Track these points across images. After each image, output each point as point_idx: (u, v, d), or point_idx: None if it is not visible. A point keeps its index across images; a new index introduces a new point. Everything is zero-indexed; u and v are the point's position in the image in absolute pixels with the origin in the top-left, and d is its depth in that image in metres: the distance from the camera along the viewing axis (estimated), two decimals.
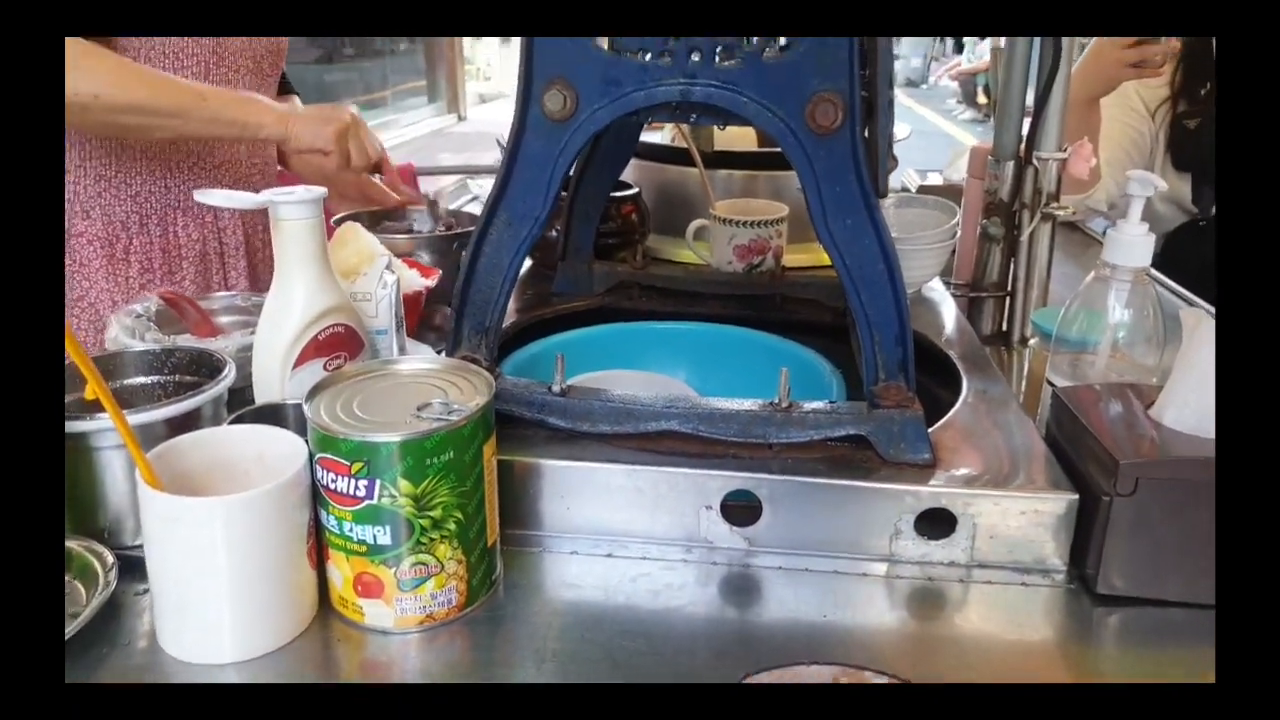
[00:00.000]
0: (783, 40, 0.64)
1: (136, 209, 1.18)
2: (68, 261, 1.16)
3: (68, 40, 0.97)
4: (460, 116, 10.54)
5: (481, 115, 10.85)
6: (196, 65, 1.15)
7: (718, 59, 0.66)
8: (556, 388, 0.74)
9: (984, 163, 1.08)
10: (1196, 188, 1.53)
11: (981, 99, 10.72)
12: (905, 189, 1.60)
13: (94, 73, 0.99)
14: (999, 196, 1.05)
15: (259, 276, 1.29)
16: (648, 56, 0.66)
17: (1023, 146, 1.04)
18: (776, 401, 0.71)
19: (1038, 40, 1.02)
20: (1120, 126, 1.54)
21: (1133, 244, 0.72)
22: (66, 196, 1.15)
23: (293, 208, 0.69)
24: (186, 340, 0.77)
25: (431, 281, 1.09)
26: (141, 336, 0.78)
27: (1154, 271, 0.77)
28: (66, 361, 0.70)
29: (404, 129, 9.31)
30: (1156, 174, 1.54)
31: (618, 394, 0.74)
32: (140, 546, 0.65)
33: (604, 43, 0.67)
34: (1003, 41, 1.46)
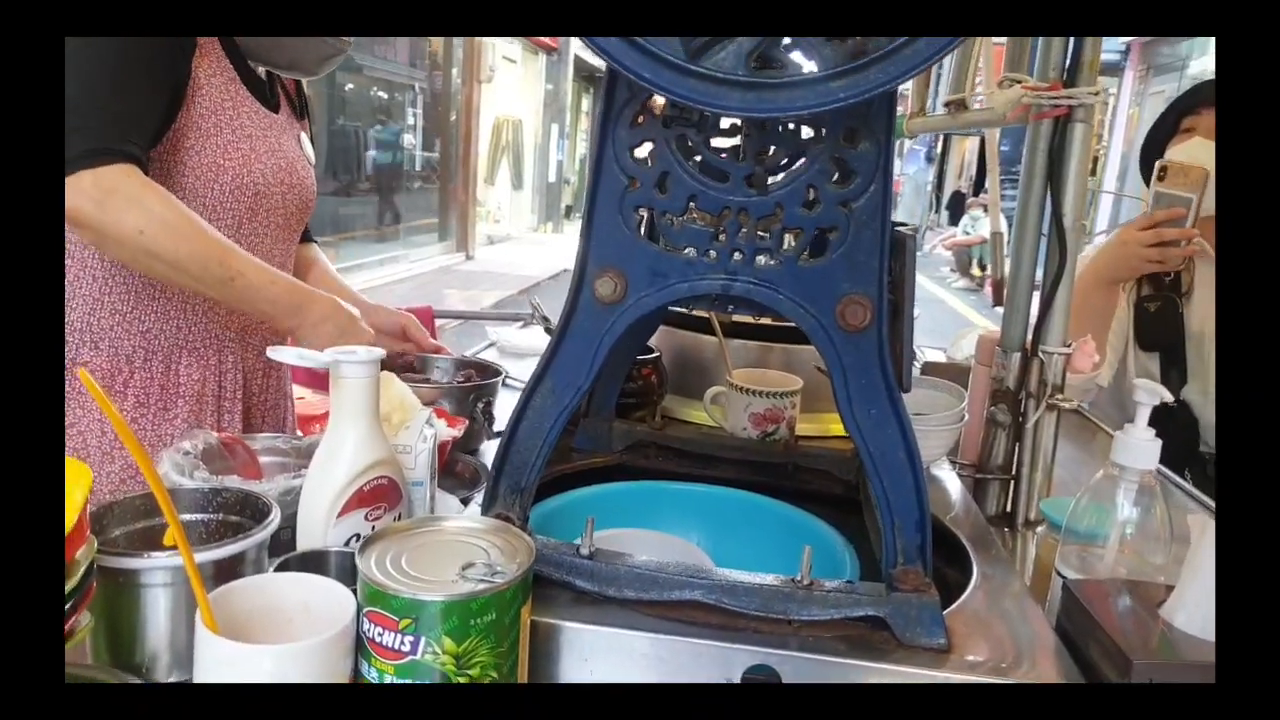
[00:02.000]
0: (808, 255, 0.71)
1: (144, 344, 1.18)
2: (65, 389, 1.14)
3: (128, 171, 0.97)
4: (468, 255, 10.88)
5: (489, 256, 11.21)
6: (231, 219, 1.17)
7: (758, 260, 0.72)
8: (585, 550, 0.77)
9: (991, 352, 1.15)
10: (1165, 370, 1.58)
11: (975, 270, 11.09)
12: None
13: (148, 210, 0.98)
14: (1005, 385, 1.11)
15: (252, 421, 1.29)
16: (693, 253, 0.73)
17: (1029, 339, 1.11)
18: (798, 578, 0.74)
19: (1044, 239, 1.11)
20: None
21: (1140, 448, 0.77)
22: (78, 326, 1.15)
23: (353, 367, 0.73)
24: (234, 481, 0.81)
25: (458, 431, 1.13)
26: (190, 474, 0.81)
27: (1163, 469, 0.81)
28: (123, 497, 0.74)
29: (413, 264, 9.61)
30: (1130, 351, 1.60)
31: (643, 560, 0.77)
32: (173, 684, 0.67)
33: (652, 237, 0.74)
34: (1003, 224, 1.56)
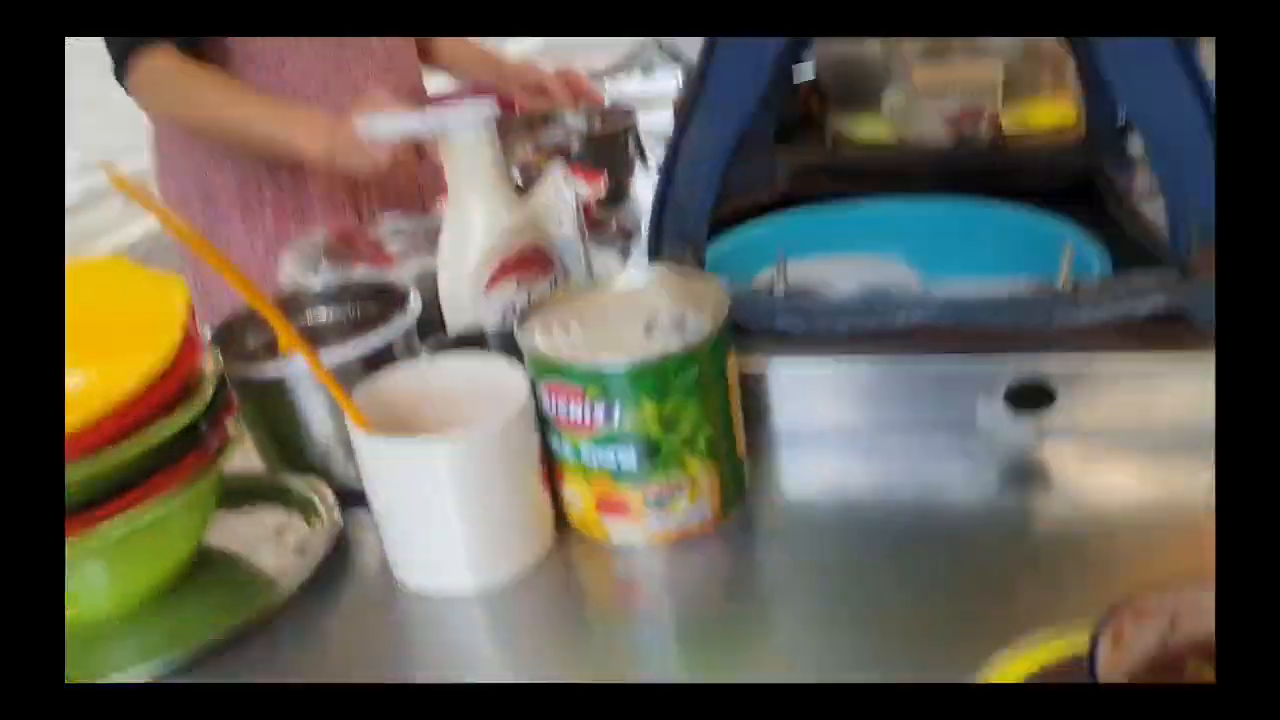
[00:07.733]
0: None
1: (265, 160, 1.16)
2: (210, 212, 1.18)
3: (167, 61, 1.03)
4: None
5: None
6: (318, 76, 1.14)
7: None
8: (779, 287, 0.64)
9: None
10: None
11: None
12: None
13: (171, 95, 1.07)
14: None
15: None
16: None
17: None
18: (1055, 285, 0.59)
19: None
20: None
21: None
22: (206, 148, 1.16)
23: (461, 124, 0.61)
24: (364, 271, 0.71)
25: (598, 188, 1.00)
26: (315, 269, 0.72)
27: None
28: (246, 311, 0.64)
29: None
30: None
31: (853, 287, 0.64)
32: (354, 478, 0.59)
33: None
34: None
